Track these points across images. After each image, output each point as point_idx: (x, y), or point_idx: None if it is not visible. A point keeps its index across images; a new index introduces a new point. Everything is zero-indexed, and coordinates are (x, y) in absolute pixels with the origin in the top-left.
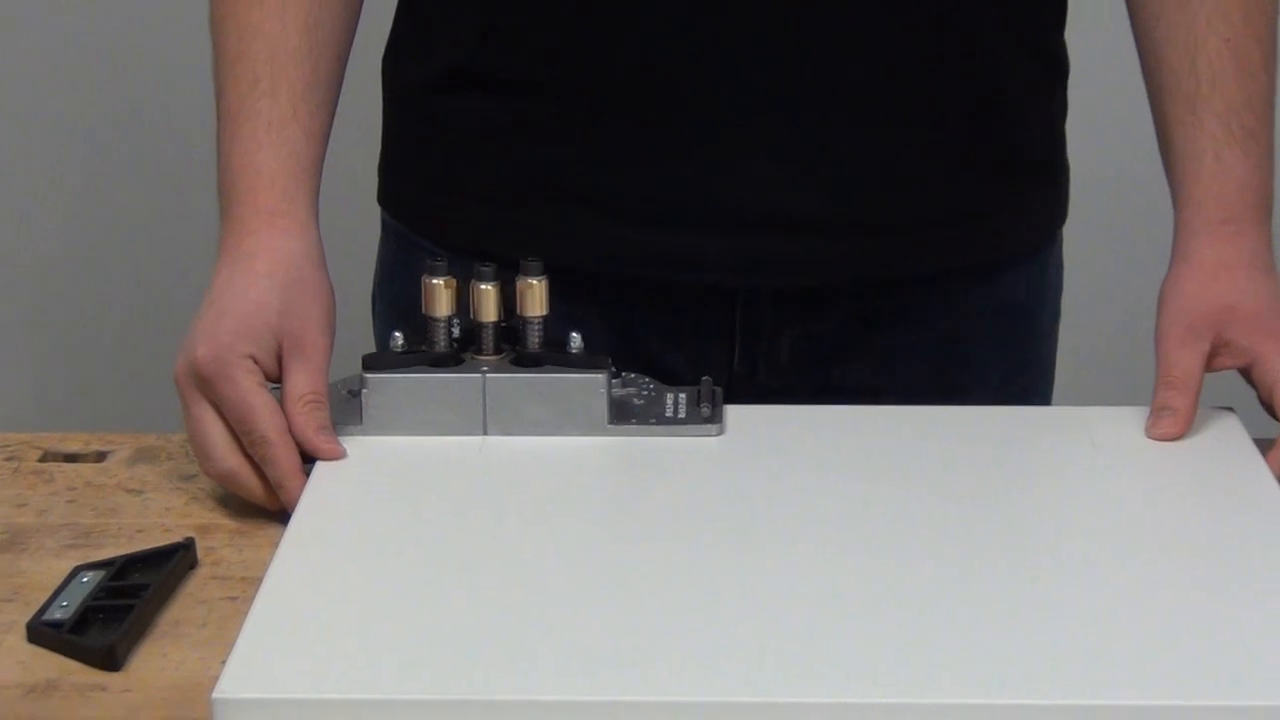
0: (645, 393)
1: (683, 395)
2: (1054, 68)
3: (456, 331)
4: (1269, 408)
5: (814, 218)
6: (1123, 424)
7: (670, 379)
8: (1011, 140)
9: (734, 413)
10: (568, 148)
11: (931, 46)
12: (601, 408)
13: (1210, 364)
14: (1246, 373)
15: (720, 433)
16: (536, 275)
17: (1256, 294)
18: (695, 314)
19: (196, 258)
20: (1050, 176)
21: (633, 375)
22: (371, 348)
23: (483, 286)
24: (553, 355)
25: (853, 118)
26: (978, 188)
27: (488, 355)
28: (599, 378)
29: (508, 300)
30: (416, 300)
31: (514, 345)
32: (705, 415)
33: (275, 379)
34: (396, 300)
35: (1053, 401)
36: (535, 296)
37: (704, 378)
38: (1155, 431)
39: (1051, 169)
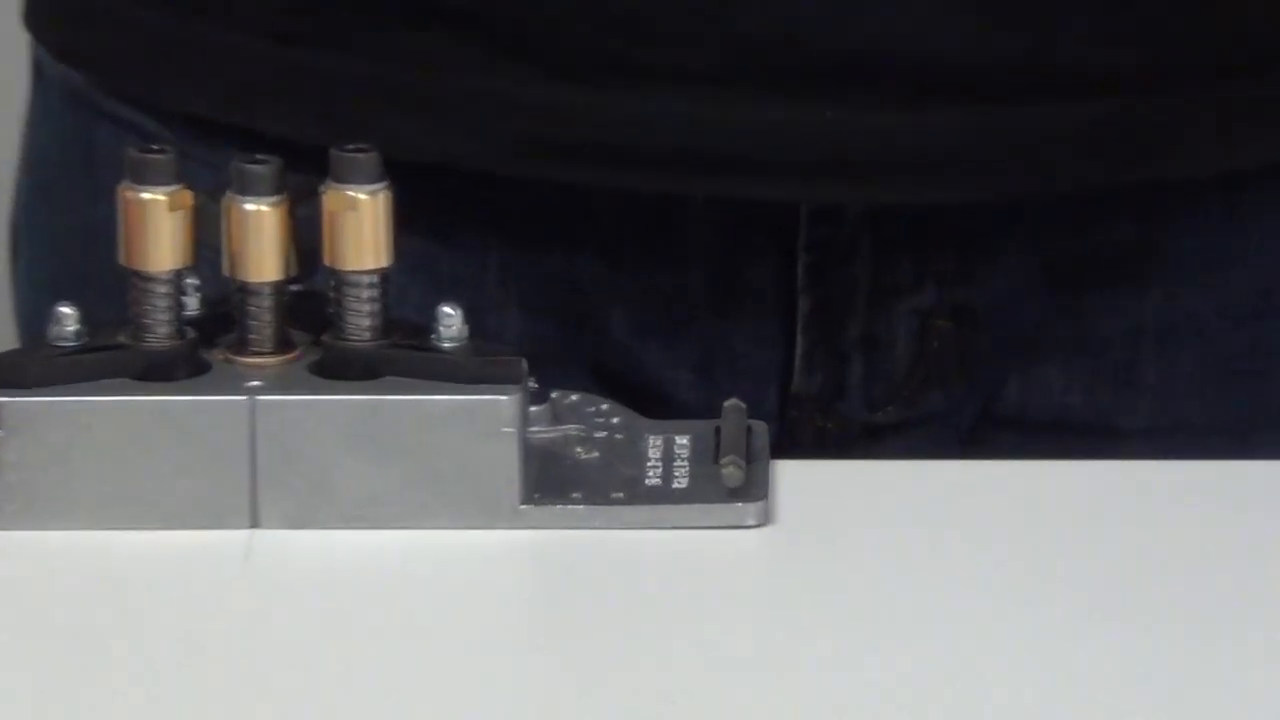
0: (602, 435)
1: (683, 440)
2: None
3: (194, 303)
4: None
5: (969, 64)
6: None
7: (658, 402)
8: None
9: (789, 477)
10: None
11: None
12: (509, 467)
13: None
14: None
15: (761, 520)
16: (364, 180)
17: None
18: (713, 265)
19: None
20: None
21: (575, 397)
22: (9, 339)
23: (249, 206)
24: (402, 355)
25: None
26: None
27: (261, 354)
28: (503, 401)
29: (303, 237)
30: (103, 234)
31: (318, 334)
32: (731, 483)
33: None
34: (59, 235)
35: None
36: (362, 226)
37: (729, 403)
38: None
39: None
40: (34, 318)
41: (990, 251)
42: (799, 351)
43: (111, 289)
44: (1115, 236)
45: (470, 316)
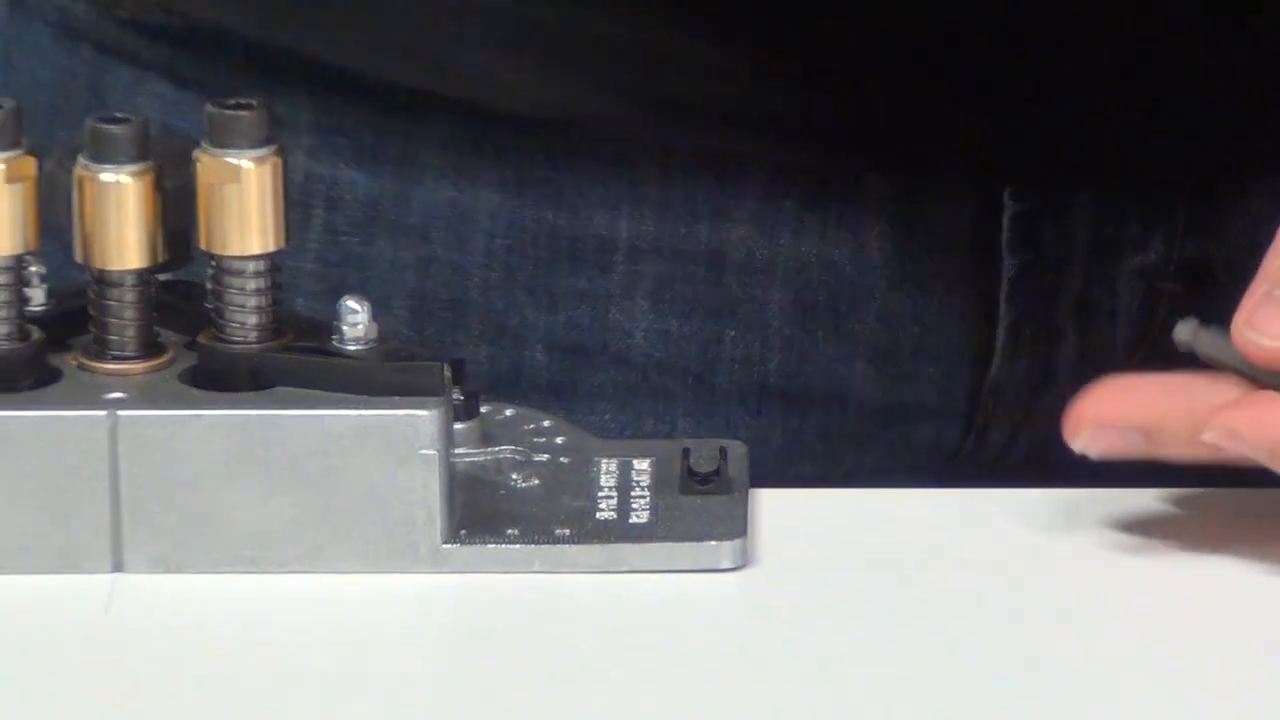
0: (543, 459)
1: (642, 465)
2: None
3: (40, 296)
4: None
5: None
6: None
7: (824, 405)
8: None
9: (772, 507)
10: None
11: None
12: (429, 497)
13: None
14: None
15: (738, 562)
16: (248, 143)
17: None
18: (894, 225)
19: None
20: None
21: (510, 412)
22: None
23: (107, 177)
24: (298, 360)
25: None
26: None
27: (124, 360)
28: (420, 417)
29: (174, 214)
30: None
31: (193, 334)
32: (702, 520)
33: None
34: None
35: None
36: (247, 200)
37: (723, 447)
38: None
39: None
40: None
41: (1234, 192)
42: (1002, 326)
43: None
44: None
45: (596, 310)
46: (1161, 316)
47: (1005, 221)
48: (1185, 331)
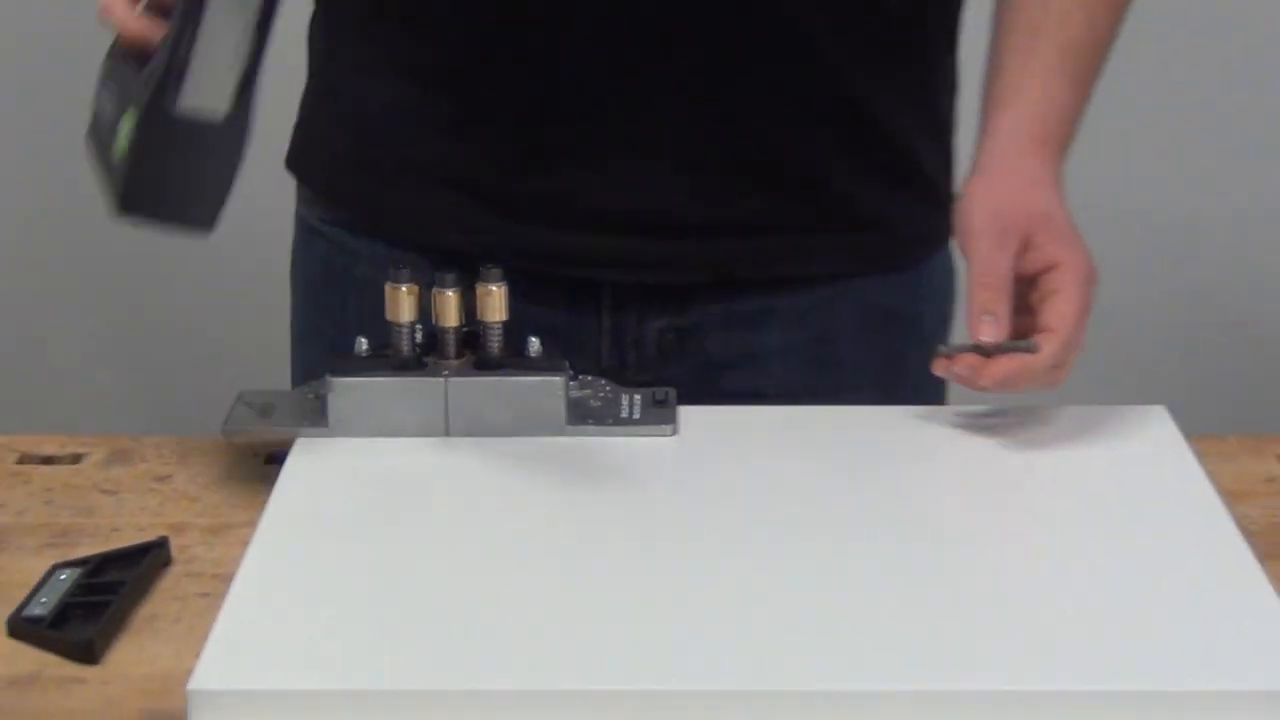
0: (602, 395)
1: (638, 396)
2: (937, 81)
3: (419, 337)
4: (1028, 309)
5: (680, 217)
6: (1049, 423)
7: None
8: (885, 153)
9: (685, 415)
10: (464, 142)
11: (798, 56)
12: (559, 409)
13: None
14: (1032, 275)
15: (674, 433)
16: (496, 282)
17: (1063, 210)
18: (566, 307)
19: (174, 259)
20: (932, 192)
21: (589, 378)
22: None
23: (447, 293)
24: (512, 360)
25: (724, 122)
26: (849, 196)
27: (449, 360)
28: (557, 380)
29: (468, 305)
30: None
31: (475, 350)
32: (660, 417)
33: None
34: (323, 327)
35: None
36: (495, 303)
37: (668, 390)
38: (981, 334)
39: (932, 184)
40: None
41: (693, 305)
42: (604, 345)
43: (383, 329)
44: (753, 302)
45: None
46: (668, 350)
47: (606, 303)
48: (943, 349)
